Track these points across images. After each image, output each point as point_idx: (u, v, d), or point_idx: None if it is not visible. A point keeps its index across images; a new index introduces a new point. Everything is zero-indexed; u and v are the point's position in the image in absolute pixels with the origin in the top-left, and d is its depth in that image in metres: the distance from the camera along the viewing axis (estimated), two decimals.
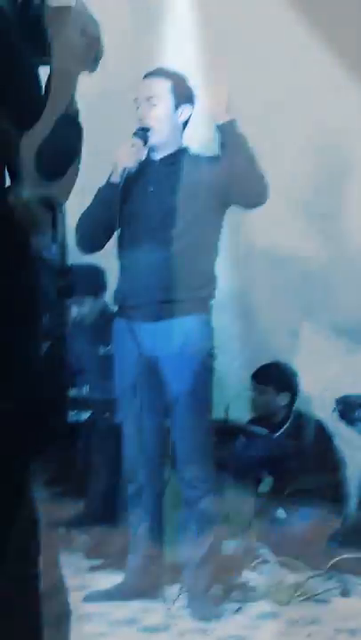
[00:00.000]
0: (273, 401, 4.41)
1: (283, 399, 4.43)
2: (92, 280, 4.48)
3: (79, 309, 4.59)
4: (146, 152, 3.48)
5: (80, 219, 3.57)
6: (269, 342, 4.82)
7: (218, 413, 3.96)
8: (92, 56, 1.88)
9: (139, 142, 3.42)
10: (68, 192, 1.86)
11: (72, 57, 1.85)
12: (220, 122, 3.40)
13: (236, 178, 3.37)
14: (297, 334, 4.79)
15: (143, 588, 3.49)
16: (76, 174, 1.84)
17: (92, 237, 3.52)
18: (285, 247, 4.79)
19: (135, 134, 3.44)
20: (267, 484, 4.41)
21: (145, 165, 3.53)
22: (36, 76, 1.80)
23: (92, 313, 4.57)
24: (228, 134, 3.39)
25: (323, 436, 4.27)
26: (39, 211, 1.81)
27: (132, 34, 5.04)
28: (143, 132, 3.44)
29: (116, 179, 3.42)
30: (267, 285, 4.88)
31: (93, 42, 1.88)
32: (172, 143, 3.52)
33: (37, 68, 1.81)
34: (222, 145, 3.42)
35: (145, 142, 3.43)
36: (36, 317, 1.81)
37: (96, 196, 3.52)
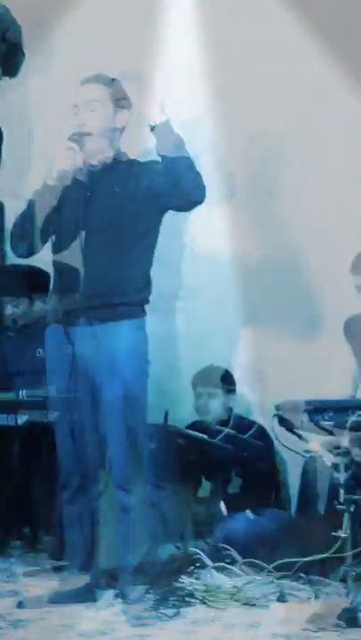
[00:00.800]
0: (224, 403, 4.41)
1: (230, 401, 4.43)
2: (31, 282, 4.44)
3: (13, 310, 4.54)
4: (83, 156, 3.46)
5: (15, 222, 3.55)
6: (208, 347, 4.82)
7: (158, 418, 3.94)
8: (13, 61, 1.85)
9: (75, 146, 3.41)
10: None
11: None
12: (155, 123, 3.38)
13: (173, 178, 3.35)
14: (237, 339, 4.79)
15: (78, 594, 3.45)
16: None
17: (26, 240, 3.49)
18: (225, 250, 4.80)
19: (71, 138, 3.41)
20: (206, 488, 4.40)
21: (83, 170, 3.51)
22: None
23: (26, 315, 4.52)
24: (163, 135, 3.38)
25: (263, 440, 4.27)
26: None
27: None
28: (79, 136, 3.43)
29: (51, 182, 3.39)
30: (206, 289, 4.88)
31: (14, 47, 1.84)
32: (109, 148, 3.52)
33: None
34: (157, 146, 3.39)
35: (81, 146, 3.41)
36: None
37: (31, 200, 3.50)
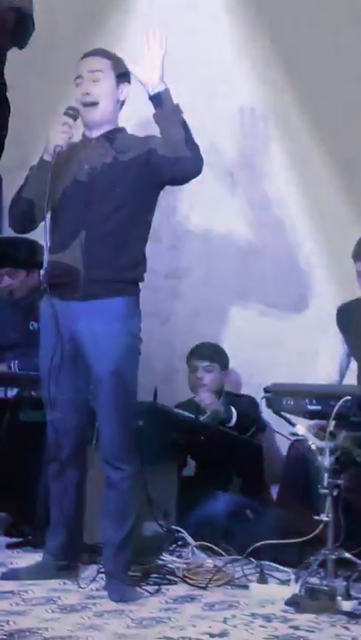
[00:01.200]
0: (218, 379, 4.43)
1: (225, 378, 4.45)
2: (27, 254, 4.43)
3: (9, 281, 4.54)
4: (82, 129, 3.46)
5: (13, 198, 3.55)
6: (200, 326, 4.84)
7: (147, 396, 3.96)
8: (22, 31, 1.85)
9: (70, 120, 3.41)
10: None
11: (2, 32, 1.81)
12: (154, 91, 3.38)
13: (171, 147, 3.35)
14: (227, 319, 4.81)
15: (61, 568, 3.49)
16: (2, 147, 1.80)
17: (24, 216, 3.50)
18: (220, 230, 4.80)
19: (66, 113, 3.42)
20: (190, 467, 4.43)
21: (82, 143, 3.51)
22: None
23: (23, 287, 4.51)
24: (161, 103, 3.37)
25: (254, 409, 4.29)
26: None
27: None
28: (74, 111, 3.43)
29: (48, 157, 3.39)
30: (199, 268, 4.89)
31: (25, 17, 1.85)
32: (109, 122, 3.51)
33: None
34: (156, 116, 3.39)
35: (75, 120, 3.42)
36: None
37: (29, 174, 3.49)
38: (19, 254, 4.47)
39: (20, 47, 1.89)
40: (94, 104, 3.45)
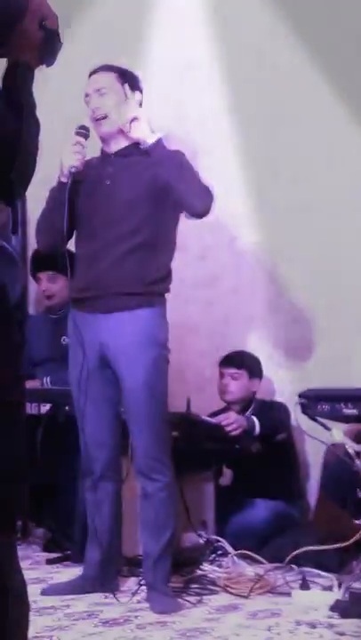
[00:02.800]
0: (246, 386, 4.40)
1: (254, 385, 4.43)
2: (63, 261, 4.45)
3: (48, 285, 4.54)
4: (94, 148, 3.48)
5: (38, 220, 3.57)
6: (231, 335, 4.82)
7: (180, 406, 3.95)
8: (50, 49, 1.85)
9: (82, 140, 3.43)
10: (26, 184, 1.83)
11: (30, 49, 1.82)
12: (146, 144, 3.39)
13: (176, 193, 3.38)
14: (258, 327, 4.78)
15: (102, 582, 3.48)
16: (34, 167, 1.81)
17: (49, 238, 3.51)
18: (248, 238, 4.78)
19: (78, 132, 3.44)
20: (227, 476, 4.41)
21: (101, 159, 3.51)
22: None
23: (60, 293, 4.50)
24: (158, 154, 3.38)
25: (285, 415, 4.26)
26: None
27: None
28: (85, 130, 3.45)
29: (64, 179, 3.40)
30: (228, 277, 4.87)
31: (52, 34, 1.85)
32: (125, 135, 3.49)
33: None
34: (160, 172, 3.40)
35: (86, 139, 3.44)
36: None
37: (48, 196, 3.51)
38: (58, 259, 4.48)
39: (48, 65, 1.90)
40: (104, 117, 3.46)
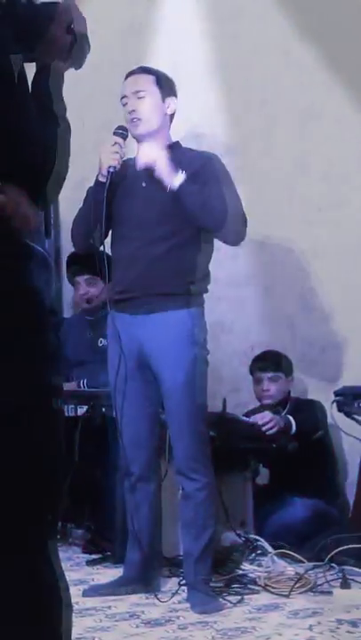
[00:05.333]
0: (284, 387, 4.39)
1: (290, 384, 4.42)
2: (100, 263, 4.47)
3: (87, 289, 4.56)
4: (131, 149, 3.50)
5: (74, 219, 3.59)
6: (265, 333, 4.81)
7: (216, 406, 3.95)
8: (78, 53, 1.87)
9: (120, 140, 3.44)
10: (59, 187, 1.84)
11: (58, 53, 1.83)
12: (173, 187, 3.38)
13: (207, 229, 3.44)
14: (292, 324, 4.77)
15: (142, 582, 3.48)
16: (66, 171, 1.82)
17: (85, 237, 3.52)
18: (279, 235, 4.77)
19: (116, 133, 3.45)
20: (264, 475, 4.40)
21: (137, 162, 3.52)
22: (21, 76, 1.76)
23: (100, 296, 4.52)
24: (182, 199, 3.38)
25: (321, 426, 4.24)
26: (28, 207, 1.78)
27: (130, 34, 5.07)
28: (123, 130, 3.46)
29: (102, 178, 3.41)
30: (261, 275, 4.86)
31: (80, 38, 1.86)
32: (162, 137, 3.52)
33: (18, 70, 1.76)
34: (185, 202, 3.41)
35: (125, 139, 3.45)
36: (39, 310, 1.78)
37: (86, 196, 3.52)
38: (95, 263, 4.50)
39: (77, 68, 1.91)
40: (140, 119, 3.47)
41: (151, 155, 3.40)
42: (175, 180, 3.37)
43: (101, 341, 4.39)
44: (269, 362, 4.40)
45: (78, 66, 1.90)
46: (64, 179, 1.82)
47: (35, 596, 1.71)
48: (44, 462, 1.74)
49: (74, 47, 1.86)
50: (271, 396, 4.37)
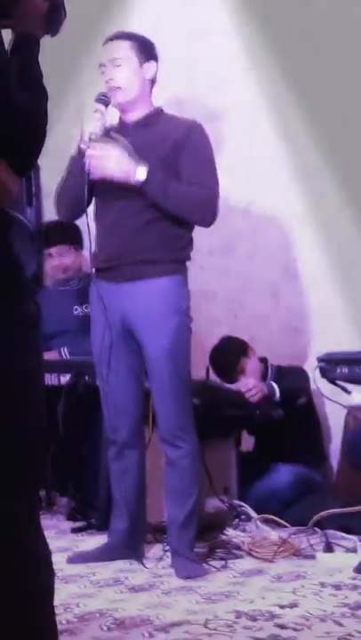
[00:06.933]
0: (257, 365, 4.38)
1: (257, 357, 4.41)
2: (74, 232, 4.47)
3: (61, 260, 4.55)
4: (113, 117, 3.46)
5: (57, 188, 3.56)
6: (248, 302, 4.82)
7: (199, 374, 3.96)
8: (55, 19, 1.85)
9: (102, 107, 3.39)
10: (36, 156, 1.82)
11: (34, 20, 1.82)
12: (138, 181, 3.34)
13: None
14: (276, 292, 4.77)
15: (127, 549, 3.50)
16: (43, 138, 1.80)
17: (69, 205, 3.50)
18: (262, 203, 4.76)
19: (98, 99, 3.41)
20: (249, 442, 4.42)
21: (119, 129, 3.50)
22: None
23: (73, 265, 4.53)
24: (149, 188, 3.35)
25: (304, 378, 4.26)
26: (7, 175, 1.76)
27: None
28: (105, 97, 3.42)
29: (84, 145, 3.39)
30: (244, 243, 4.86)
31: (57, 5, 1.85)
32: (143, 103, 3.49)
33: None
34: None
35: (107, 106, 3.40)
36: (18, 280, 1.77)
37: (68, 164, 3.50)
38: (67, 232, 4.49)
39: (53, 35, 1.89)
40: (118, 88, 3.44)
41: (104, 165, 3.34)
42: (138, 174, 3.33)
43: (76, 309, 4.41)
44: (228, 368, 4.32)
45: (55, 33, 1.88)
46: (41, 146, 1.80)
47: (24, 564, 1.72)
48: (28, 433, 1.74)
49: (51, 14, 1.84)
50: (249, 382, 4.29)
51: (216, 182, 3.44)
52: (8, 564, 1.70)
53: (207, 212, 3.42)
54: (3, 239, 1.76)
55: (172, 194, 3.36)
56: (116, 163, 3.33)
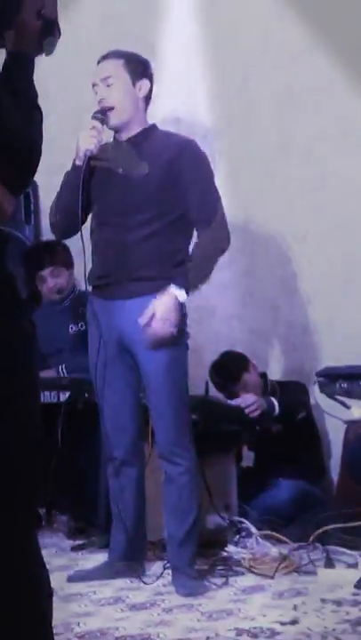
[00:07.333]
0: (255, 379, 4.37)
1: (257, 371, 4.40)
2: (64, 253, 4.47)
3: (55, 281, 4.55)
4: (110, 134, 3.48)
5: (52, 205, 3.55)
6: (247, 317, 4.81)
7: (198, 390, 3.95)
8: (49, 39, 1.85)
9: (98, 124, 3.40)
10: (31, 176, 1.82)
11: (28, 40, 1.81)
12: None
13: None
14: (275, 307, 4.77)
15: (127, 566, 3.49)
16: (38, 157, 1.80)
17: (64, 222, 3.49)
18: (260, 218, 4.77)
19: (94, 117, 3.41)
20: (248, 458, 4.41)
21: (113, 147, 3.50)
22: None
23: (67, 285, 4.53)
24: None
25: (304, 394, 4.25)
26: (2, 194, 1.76)
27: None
28: (102, 114, 3.42)
29: (79, 162, 3.39)
30: (242, 259, 4.86)
31: (50, 24, 1.84)
32: (136, 121, 3.48)
33: None
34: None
35: (103, 123, 3.41)
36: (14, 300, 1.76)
37: (63, 180, 3.49)
38: (58, 253, 4.50)
39: (47, 54, 1.89)
40: (111, 108, 3.44)
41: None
42: (180, 297, 3.33)
43: (72, 328, 4.40)
44: (229, 377, 4.33)
45: (49, 52, 1.88)
46: (37, 165, 1.80)
47: (20, 586, 1.70)
48: (25, 447, 1.73)
49: (44, 33, 1.84)
50: (247, 396, 4.28)
51: (217, 201, 3.44)
52: (4, 591, 1.68)
53: (224, 241, 3.48)
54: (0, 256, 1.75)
55: (202, 271, 3.40)
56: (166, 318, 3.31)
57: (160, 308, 3.26)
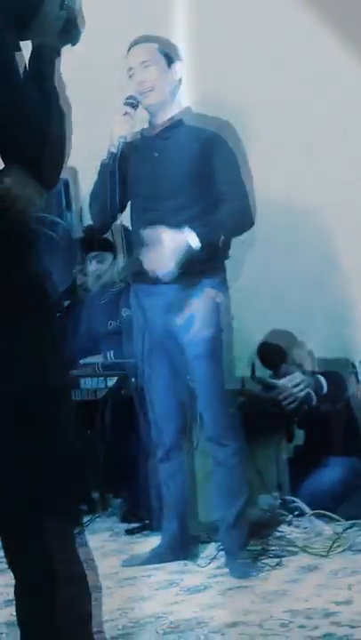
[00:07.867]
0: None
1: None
2: (108, 241, 4.47)
3: (98, 266, 4.56)
4: (146, 117, 3.46)
5: (90, 194, 3.55)
6: (290, 295, 4.78)
7: (245, 371, 3.94)
8: (73, 29, 1.84)
9: (131, 110, 3.40)
10: (60, 168, 1.81)
11: (53, 31, 1.81)
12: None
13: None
14: (319, 285, 4.73)
15: (180, 550, 3.50)
16: (64, 150, 1.79)
17: (102, 211, 3.49)
18: (301, 198, 4.73)
19: (127, 102, 3.41)
20: (299, 437, 4.40)
21: (148, 131, 3.49)
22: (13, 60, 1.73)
23: (109, 271, 4.53)
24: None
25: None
26: (33, 189, 1.75)
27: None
28: (134, 100, 3.42)
29: (113, 149, 3.39)
30: (282, 238, 4.83)
31: (74, 15, 1.84)
32: (172, 105, 3.48)
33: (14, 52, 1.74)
34: None
35: (135, 109, 3.41)
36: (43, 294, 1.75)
37: (100, 169, 3.49)
38: (103, 240, 4.50)
39: (73, 44, 1.89)
40: (151, 90, 3.44)
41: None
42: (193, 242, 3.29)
43: (125, 311, 4.41)
44: (271, 360, 4.32)
45: (74, 42, 1.87)
46: (64, 158, 1.79)
47: (57, 588, 1.70)
48: (59, 448, 1.72)
49: (68, 24, 1.83)
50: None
51: (245, 194, 3.41)
52: (41, 593, 1.69)
53: (244, 224, 3.43)
54: (28, 254, 1.74)
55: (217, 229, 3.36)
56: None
57: (167, 240, 3.25)
